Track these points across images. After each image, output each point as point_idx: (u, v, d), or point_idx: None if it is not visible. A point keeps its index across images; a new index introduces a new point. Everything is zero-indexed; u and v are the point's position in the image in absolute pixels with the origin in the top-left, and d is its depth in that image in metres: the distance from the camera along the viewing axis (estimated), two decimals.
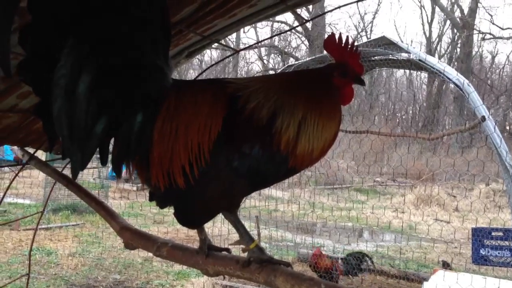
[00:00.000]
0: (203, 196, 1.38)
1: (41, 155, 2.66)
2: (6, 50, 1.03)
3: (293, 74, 1.59)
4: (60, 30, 1.17)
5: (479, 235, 6.14)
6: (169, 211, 1.48)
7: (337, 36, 1.42)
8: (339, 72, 1.43)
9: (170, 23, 1.36)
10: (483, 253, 6.07)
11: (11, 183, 2.66)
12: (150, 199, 1.49)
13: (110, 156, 1.38)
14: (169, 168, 1.36)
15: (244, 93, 1.37)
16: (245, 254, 1.45)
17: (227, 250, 1.56)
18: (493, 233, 6.15)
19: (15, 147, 2.37)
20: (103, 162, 1.37)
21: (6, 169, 12.35)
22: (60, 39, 1.17)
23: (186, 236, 8.21)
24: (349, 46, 1.43)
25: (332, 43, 1.43)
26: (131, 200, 11.45)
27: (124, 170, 1.44)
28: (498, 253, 6.02)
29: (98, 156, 1.36)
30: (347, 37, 1.42)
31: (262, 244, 1.43)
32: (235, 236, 1.50)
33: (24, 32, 1.17)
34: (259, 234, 7.64)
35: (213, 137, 1.33)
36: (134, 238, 1.76)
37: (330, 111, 1.41)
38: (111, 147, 1.38)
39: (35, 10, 1.14)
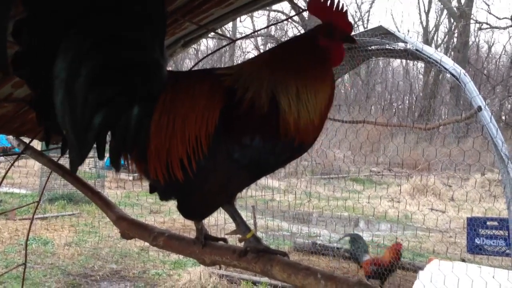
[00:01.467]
0: (205, 189, 1.37)
1: (37, 144, 2.65)
2: (2, 46, 1.02)
3: (278, 48, 1.52)
4: (57, 23, 1.16)
5: (474, 225, 6.18)
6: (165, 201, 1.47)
7: None
8: (324, 33, 1.40)
9: (166, 14, 1.34)
10: (478, 242, 6.12)
11: (6, 172, 2.65)
12: (151, 191, 1.48)
13: (108, 149, 1.38)
14: (167, 161, 1.35)
15: (239, 83, 1.36)
16: (242, 244, 1.45)
17: (224, 240, 1.56)
18: (488, 223, 6.20)
19: (11, 137, 2.36)
20: (100, 155, 1.36)
21: (1, 158, 12.32)
22: (58, 32, 1.16)
23: (182, 225, 8.23)
24: (334, 5, 1.38)
25: (316, 4, 1.39)
26: (127, 190, 11.46)
27: (123, 163, 1.43)
28: (493, 242, 6.07)
29: (95, 147, 1.36)
30: None
31: (259, 234, 1.43)
32: (232, 225, 1.50)
33: (19, 24, 1.15)
34: (255, 224, 7.66)
35: (210, 130, 1.32)
36: (131, 228, 1.76)
37: (320, 76, 1.38)
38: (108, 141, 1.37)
39: (32, 3, 1.13)
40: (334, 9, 1.37)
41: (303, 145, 1.37)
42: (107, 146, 1.37)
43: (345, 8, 1.39)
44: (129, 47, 1.27)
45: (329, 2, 1.37)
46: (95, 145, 1.34)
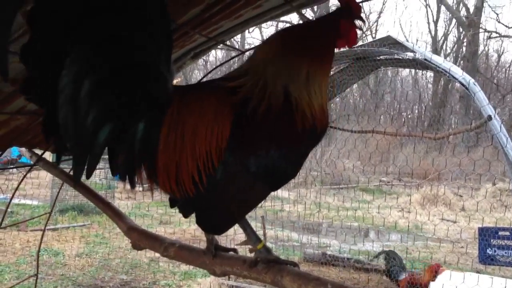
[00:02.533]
0: (224, 204, 1.37)
1: (49, 156, 2.68)
2: (4, 53, 1.04)
3: (291, 31, 1.50)
4: (61, 44, 1.17)
5: (486, 235, 6.11)
6: (175, 211, 1.47)
7: None
8: (345, 15, 1.43)
9: (172, 28, 1.35)
10: (490, 252, 6.05)
11: (19, 184, 2.68)
12: (171, 206, 1.48)
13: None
14: (177, 176, 1.34)
15: (249, 88, 1.35)
16: (252, 254, 1.46)
17: (234, 250, 1.57)
18: (499, 233, 6.13)
19: (23, 149, 2.39)
20: (113, 171, 1.36)
21: (13, 170, 12.41)
22: (62, 52, 1.17)
23: (192, 236, 8.22)
24: None
25: None
26: (137, 201, 11.49)
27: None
28: (505, 252, 6.00)
29: (105, 158, 1.36)
30: None
31: (268, 244, 1.43)
32: (241, 236, 1.50)
33: (25, 51, 1.16)
34: (265, 234, 7.64)
35: (221, 144, 1.31)
36: (142, 239, 1.78)
37: (329, 59, 1.43)
38: None
39: (35, 26, 1.14)
40: None
41: (322, 129, 1.37)
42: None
43: None
44: (134, 62, 1.26)
45: None
46: (106, 156, 1.35)
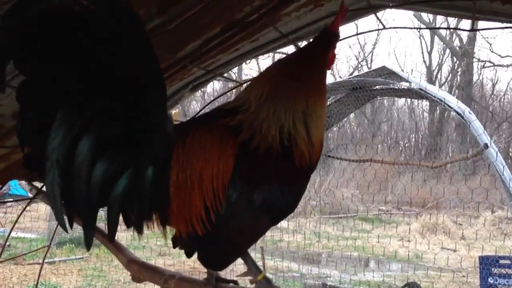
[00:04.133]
0: (228, 239, 1.38)
1: None
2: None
3: (284, 64, 1.48)
4: (50, 108, 1.15)
5: (487, 263, 6.09)
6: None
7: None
8: (330, 41, 1.44)
9: (161, 72, 1.29)
10: (491, 281, 6.01)
11: (18, 217, 2.67)
12: (174, 246, 1.47)
13: None
14: (188, 217, 1.34)
15: (247, 125, 1.37)
16: (253, 286, 1.46)
17: (234, 282, 1.56)
18: (500, 261, 6.11)
19: (23, 182, 2.39)
20: (128, 225, 1.35)
21: (10, 203, 12.34)
22: (51, 119, 1.15)
23: (191, 268, 8.13)
24: (343, 12, 1.42)
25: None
26: (135, 233, 11.38)
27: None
28: (506, 281, 5.96)
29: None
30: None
31: (268, 275, 1.43)
32: (241, 267, 1.51)
33: (20, 131, 1.17)
34: (264, 265, 7.57)
35: (226, 182, 1.32)
36: (142, 271, 1.77)
37: (322, 89, 1.43)
38: None
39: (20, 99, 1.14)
40: (342, 16, 1.43)
41: (317, 161, 1.39)
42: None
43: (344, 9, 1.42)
44: (127, 116, 1.22)
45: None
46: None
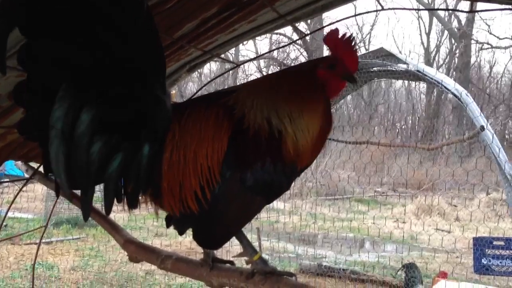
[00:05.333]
0: (222, 218, 1.39)
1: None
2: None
3: (277, 74, 1.58)
4: (54, 81, 1.16)
5: (480, 245, 6.14)
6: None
7: (340, 33, 1.42)
8: (327, 65, 1.43)
9: (163, 50, 1.32)
10: (485, 262, 6.07)
11: (15, 198, 2.68)
12: (168, 226, 1.49)
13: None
14: (181, 196, 1.36)
15: (241, 111, 1.39)
16: (249, 266, 1.47)
17: (231, 262, 1.58)
18: (494, 242, 6.16)
19: (19, 162, 2.39)
20: (119, 200, 1.36)
21: (6, 183, 12.35)
22: (55, 89, 1.16)
23: (188, 248, 8.19)
24: (348, 42, 1.41)
25: (333, 37, 1.43)
26: (132, 213, 11.43)
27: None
28: (500, 262, 6.02)
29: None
30: (350, 34, 1.42)
31: (264, 256, 1.44)
32: (237, 248, 1.52)
33: (18, 89, 1.17)
34: (260, 246, 7.63)
35: (221, 160, 1.34)
36: (139, 251, 1.78)
37: (311, 103, 1.41)
38: None
39: (24, 63, 1.14)
40: (347, 46, 1.41)
41: (301, 169, 1.41)
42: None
43: (356, 48, 1.42)
44: (129, 90, 1.25)
45: (345, 38, 1.41)
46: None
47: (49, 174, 1.26)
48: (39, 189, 11.58)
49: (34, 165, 2.33)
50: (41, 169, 2.34)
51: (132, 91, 1.25)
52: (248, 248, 1.46)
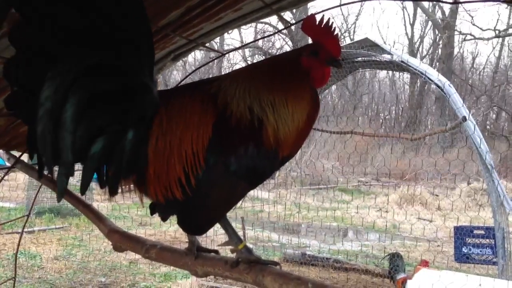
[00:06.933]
0: (206, 204, 1.39)
1: (27, 158, 2.65)
2: None
3: (262, 63, 1.57)
4: (45, 58, 1.17)
5: (461, 234, 6.24)
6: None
7: (317, 18, 1.40)
8: (309, 52, 1.41)
9: (152, 36, 1.33)
10: (465, 251, 6.18)
11: None
12: (152, 213, 1.49)
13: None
14: (166, 182, 1.36)
15: (225, 98, 1.39)
16: (234, 255, 1.48)
17: (216, 251, 1.58)
18: (474, 231, 6.27)
19: (1, 151, 2.37)
20: (102, 185, 1.37)
21: None
22: (46, 66, 1.17)
23: (172, 238, 8.20)
24: (327, 27, 1.39)
25: (310, 23, 1.41)
26: (116, 202, 11.38)
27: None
28: (480, 251, 6.13)
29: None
30: (328, 18, 1.39)
31: (249, 245, 1.45)
32: (222, 237, 1.52)
33: (8, 65, 1.17)
34: (245, 235, 7.66)
35: (206, 144, 1.35)
36: (123, 241, 1.78)
37: (296, 92, 1.40)
38: None
39: (17, 41, 1.15)
40: (326, 31, 1.39)
41: (285, 157, 1.41)
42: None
43: (337, 32, 1.40)
44: (116, 74, 1.27)
45: (323, 23, 1.39)
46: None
47: (32, 155, 1.28)
48: (21, 178, 11.45)
49: (16, 154, 2.31)
50: (23, 157, 2.32)
51: (121, 74, 1.27)
52: (233, 237, 1.47)
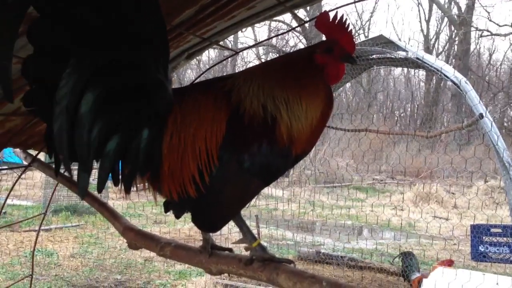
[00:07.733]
0: (220, 201, 1.40)
1: (44, 157, 2.69)
2: (8, 76, 1.05)
3: (275, 60, 1.58)
4: (62, 55, 1.18)
5: (478, 232, 6.17)
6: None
7: (331, 15, 1.40)
8: (323, 49, 1.41)
9: (166, 34, 1.35)
10: (482, 249, 6.10)
11: (14, 185, 2.68)
12: (166, 211, 1.49)
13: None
14: (180, 179, 1.37)
15: (239, 95, 1.39)
16: (248, 253, 1.48)
17: (230, 249, 1.58)
18: (491, 230, 6.19)
19: (18, 150, 2.39)
20: (116, 183, 1.37)
21: (5, 171, 12.36)
22: (63, 64, 1.18)
23: (186, 236, 8.23)
24: (340, 24, 1.39)
25: (324, 20, 1.41)
26: (131, 201, 11.47)
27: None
28: (497, 249, 6.05)
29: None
30: (341, 15, 1.39)
31: (263, 243, 1.45)
32: (236, 235, 1.52)
33: (27, 63, 1.18)
34: (259, 233, 7.66)
35: (220, 142, 1.35)
36: (138, 238, 1.79)
37: (310, 89, 1.40)
38: None
39: (35, 39, 1.15)
40: (340, 27, 1.39)
41: (298, 155, 1.40)
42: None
43: (350, 28, 1.40)
44: (132, 71, 1.27)
45: (336, 20, 1.39)
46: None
47: (49, 153, 1.30)
48: (38, 176, 11.58)
49: (33, 152, 2.33)
50: (40, 156, 2.35)
51: (136, 71, 1.28)
52: (247, 235, 1.47)
